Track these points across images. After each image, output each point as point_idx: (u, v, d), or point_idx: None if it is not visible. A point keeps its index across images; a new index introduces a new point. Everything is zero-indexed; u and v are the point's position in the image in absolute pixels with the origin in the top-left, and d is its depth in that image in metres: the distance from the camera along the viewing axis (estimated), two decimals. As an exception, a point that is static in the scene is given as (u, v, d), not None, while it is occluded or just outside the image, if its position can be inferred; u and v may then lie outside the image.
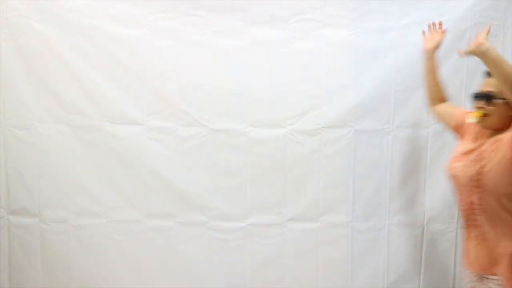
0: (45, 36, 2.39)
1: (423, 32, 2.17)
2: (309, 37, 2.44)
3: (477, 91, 1.73)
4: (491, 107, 1.65)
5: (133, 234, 2.48)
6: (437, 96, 2.07)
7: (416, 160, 2.48)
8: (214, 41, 2.43)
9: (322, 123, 2.45)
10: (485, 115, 1.66)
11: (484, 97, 1.67)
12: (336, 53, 2.41)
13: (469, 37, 2.38)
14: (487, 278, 1.65)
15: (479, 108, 1.68)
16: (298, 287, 2.51)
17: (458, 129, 1.91)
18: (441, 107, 2.05)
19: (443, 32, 2.10)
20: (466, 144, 1.79)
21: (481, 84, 1.76)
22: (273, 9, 2.43)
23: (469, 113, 1.79)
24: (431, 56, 2.08)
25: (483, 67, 2.37)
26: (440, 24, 2.11)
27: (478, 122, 1.67)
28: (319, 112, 2.44)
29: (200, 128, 2.46)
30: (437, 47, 2.08)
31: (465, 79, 2.43)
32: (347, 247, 2.51)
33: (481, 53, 1.53)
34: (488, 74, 1.71)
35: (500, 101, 1.63)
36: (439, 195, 2.49)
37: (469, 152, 1.72)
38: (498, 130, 1.66)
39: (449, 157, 1.85)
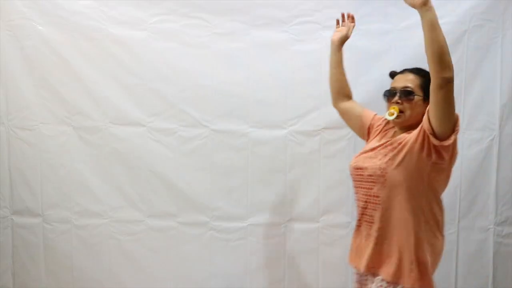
0: (49, 38, 2.43)
1: (337, 22, 2.02)
2: (310, 39, 2.47)
3: (394, 87, 1.68)
4: (408, 104, 1.62)
5: (135, 234, 2.51)
6: (342, 91, 1.98)
7: (416, 161, 2.49)
8: (215, 43, 2.46)
9: (322, 124, 2.47)
10: (401, 111, 1.62)
11: (403, 93, 1.64)
12: (336, 55, 2.44)
13: (468, 39, 2.41)
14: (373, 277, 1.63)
15: (397, 103, 1.64)
16: (298, 287, 2.53)
17: (365, 130, 1.89)
18: (347, 104, 1.98)
19: (353, 25, 1.97)
20: (371, 143, 1.77)
21: (395, 80, 1.71)
22: (274, 12, 2.46)
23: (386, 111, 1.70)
24: (336, 49, 1.96)
25: (483, 69, 2.43)
26: (350, 16, 1.98)
27: (395, 118, 1.62)
28: (319, 114, 2.46)
29: (202, 129, 2.48)
30: (343, 39, 1.95)
31: (464, 81, 2.43)
32: (348, 247, 2.51)
33: (423, 9, 1.46)
34: (402, 71, 1.72)
35: (418, 97, 1.62)
36: (438, 196, 2.50)
37: (375, 148, 1.69)
38: (408, 127, 1.64)
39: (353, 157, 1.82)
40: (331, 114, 2.44)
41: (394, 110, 1.62)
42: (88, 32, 2.43)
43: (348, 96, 2.00)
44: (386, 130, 1.79)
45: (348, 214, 2.50)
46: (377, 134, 1.81)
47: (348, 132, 2.45)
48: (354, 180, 1.76)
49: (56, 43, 2.43)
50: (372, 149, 1.70)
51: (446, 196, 2.45)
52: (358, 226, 1.74)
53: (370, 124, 1.88)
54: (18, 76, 2.45)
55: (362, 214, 1.70)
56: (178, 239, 2.51)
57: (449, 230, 2.50)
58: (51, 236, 2.50)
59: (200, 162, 2.49)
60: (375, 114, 1.90)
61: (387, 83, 2.43)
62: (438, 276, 2.50)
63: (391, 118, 1.62)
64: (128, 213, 2.50)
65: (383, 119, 1.83)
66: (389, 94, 1.69)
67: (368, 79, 2.45)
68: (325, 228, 2.51)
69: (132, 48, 2.45)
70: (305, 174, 2.49)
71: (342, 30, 1.98)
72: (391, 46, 2.45)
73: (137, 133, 2.47)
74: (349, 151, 2.47)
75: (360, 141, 2.44)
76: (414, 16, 2.43)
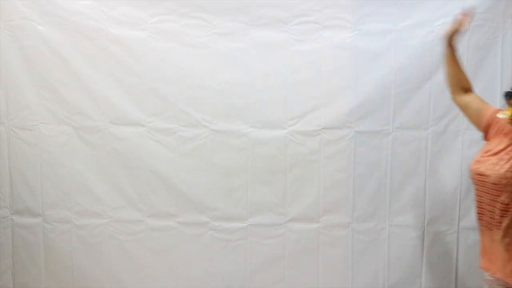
0: (49, 38, 2.43)
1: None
2: (310, 39, 2.47)
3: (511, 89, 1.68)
4: None
5: (135, 234, 2.51)
6: (458, 84, 1.91)
7: (416, 161, 2.49)
8: (215, 43, 2.46)
9: (323, 124, 2.47)
10: None
11: None
12: (336, 55, 2.43)
13: (468, 39, 2.40)
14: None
15: None
16: (298, 287, 2.52)
17: (481, 127, 1.84)
18: (467, 98, 1.90)
19: (464, 19, 1.87)
20: (494, 144, 1.74)
21: None
22: (274, 12, 2.46)
23: (500, 110, 1.72)
24: (448, 43, 1.90)
25: (483, 69, 2.42)
26: (468, 13, 1.89)
27: (510, 119, 1.62)
28: (319, 113, 2.46)
29: (202, 129, 2.48)
30: (452, 33, 1.88)
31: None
32: (348, 247, 2.52)
33: None
34: None
35: None
36: (439, 196, 2.50)
37: (499, 151, 1.68)
38: None
39: (474, 157, 1.79)
40: (331, 114, 2.47)
41: (507, 112, 1.63)
42: (88, 32, 2.43)
43: (464, 89, 1.92)
44: (507, 132, 1.74)
45: (348, 214, 2.50)
46: (498, 135, 1.76)
47: (348, 132, 2.46)
48: (477, 184, 1.74)
49: (56, 43, 2.43)
50: (496, 153, 1.69)
51: (446, 196, 2.49)
52: (489, 229, 1.72)
53: (487, 122, 1.81)
54: (18, 76, 2.45)
55: (491, 218, 1.69)
56: (178, 239, 2.51)
57: (449, 230, 2.50)
58: (51, 236, 2.51)
59: (200, 162, 2.49)
60: (496, 111, 1.81)
61: (387, 83, 2.46)
62: (438, 276, 2.52)
63: (501, 117, 1.65)
64: (128, 213, 2.50)
65: (506, 119, 1.78)
66: (507, 95, 1.66)
67: (368, 79, 2.45)
68: (325, 228, 2.51)
69: (132, 48, 2.45)
70: (305, 174, 2.49)
71: (456, 25, 1.89)
72: (391, 46, 2.45)
73: (137, 133, 2.47)
74: (349, 151, 2.47)
75: (360, 141, 2.47)
76: (414, 16, 2.47)
